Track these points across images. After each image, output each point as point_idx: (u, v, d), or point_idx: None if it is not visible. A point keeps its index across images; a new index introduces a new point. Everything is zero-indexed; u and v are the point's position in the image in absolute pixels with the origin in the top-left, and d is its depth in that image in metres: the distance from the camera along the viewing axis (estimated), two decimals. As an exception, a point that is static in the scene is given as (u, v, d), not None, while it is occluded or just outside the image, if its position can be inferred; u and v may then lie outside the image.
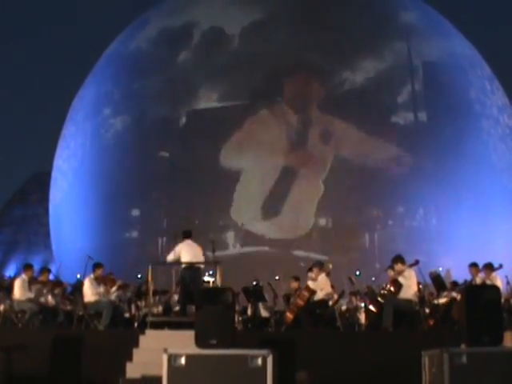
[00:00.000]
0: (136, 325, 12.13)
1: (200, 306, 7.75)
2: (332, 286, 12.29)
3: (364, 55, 22.01)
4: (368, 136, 20.81)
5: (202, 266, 12.20)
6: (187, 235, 11.97)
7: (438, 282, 12.88)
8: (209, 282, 13.29)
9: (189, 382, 7.06)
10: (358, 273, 15.56)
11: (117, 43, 25.20)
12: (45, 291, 12.26)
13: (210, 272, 13.58)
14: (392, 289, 10.70)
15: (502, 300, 9.51)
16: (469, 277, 12.19)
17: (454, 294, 12.27)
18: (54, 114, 52.89)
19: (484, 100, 22.78)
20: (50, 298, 12.40)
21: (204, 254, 12.07)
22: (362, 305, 13.04)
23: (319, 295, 11.77)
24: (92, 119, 23.69)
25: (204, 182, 20.69)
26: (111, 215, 21.82)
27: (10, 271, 29.48)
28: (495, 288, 7.90)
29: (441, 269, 15.72)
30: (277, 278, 16.14)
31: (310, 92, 21.71)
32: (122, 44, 24.93)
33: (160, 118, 22.58)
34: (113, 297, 12.34)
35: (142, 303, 13.31)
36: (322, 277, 11.96)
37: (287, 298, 13.12)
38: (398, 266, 10.86)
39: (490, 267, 11.87)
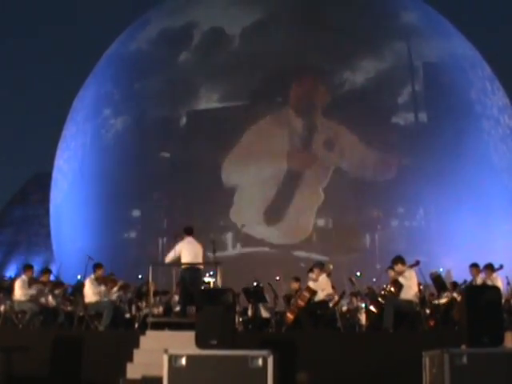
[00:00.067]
0: (136, 325, 12.14)
1: (200, 306, 7.76)
2: (333, 287, 12.30)
3: (364, 55, 22.01)
4: (369, 148, 20.81)
5: (202, 267, 12.19)
6: (189, 232, 11.95)
7: (439, 283, 12.88)
8: (209, 282, 13.29)
9: (189, 382, 7.06)
10: (358, 274, 15.56)
11: (117, 44, 25.21)
12: (46, 291, 12.26)
13: (211, 273, 13.57)
14: (392, 289, 10.70)
15: (503, 301, 9.52)
16: (469, 277, 12.19)
17: (455, 295, 12.28)
18: (54, 115, 52.92)
19: (485, 100, 22.77)
20: (50, 298, 12.41)
21: (204, 253, 12.05)
22: (363, 305, 13.04)
23: (320, 296, 11.77)
24: (92, 120, 23.70)
25: (204, 182, 20.68)
26: (112, 215, 21.82)
27: (10, 272, 29.49)
28: (496, 289, 7.90)
29: (441, 269, 15.71)
30: (277, 278, 16.14)
31: (315, 96, 21.70)
32: (122, 44, 24.94)
33: (160, 119, 22.58)
34: (114, 297, 12.34)
35: (142, 304, 13.31)
36: (323, 277, 11.97)
37: (288, 298, 13.12)
38: (399, 267, 10.86)
39: (490, 268, 11.88)
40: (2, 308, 12.68)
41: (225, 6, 23.03)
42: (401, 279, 10.67)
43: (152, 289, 12.02)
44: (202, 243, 12.05)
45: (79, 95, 25.13)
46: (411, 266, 10.98)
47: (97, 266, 11.93)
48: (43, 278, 12.44)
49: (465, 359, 6.85)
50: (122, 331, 11.04)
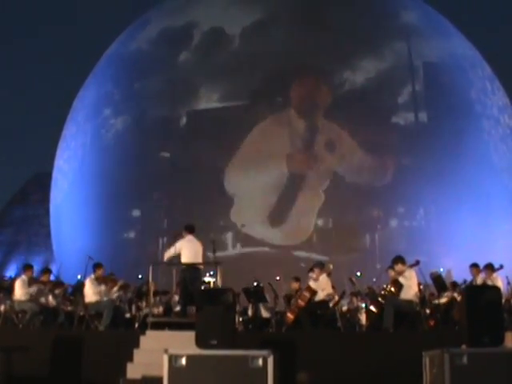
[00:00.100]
0: (137, 325, 12.14)
1: (201, 306, 7.76)
2: (333, 287, 12.30)
3: (364, 55, 22.00)
4: (368, 150, 20.83)
5: (202, 267, 12.19)
6: (190, 230, 11.93)
7: (439, 283, 12.88)
8: (209, 282, 13.29)
9: (189, 382, 7.06)
10: (358, 274, 15.56)
11: (117, 43, 25.21)
12: (45, 290, 12.26)
13: (211, 272, 13.56)
14: (392, 289, 10.70)
15: (503, 300, 9.51)
16: (469, 277, 12.19)
17: (455, 295, 12.28)
18: (54, 115, 52.88)
19: (485, 100, 22.77)
20: (50, 298, 12.42)
21: (204, 252, 12.01)
22: (363, 305, 13.04)
23: (320, 296, 11.77)
24: (92, 120, 23.70)
25: (205, 182, 20.68)
26: (112, 215, 21.82)
27: (10, 272, 29.48)
28: (496, 288, 7.90)
29: (441, 269, 15.70)
30: (277, 278, 16.14)
31: (317, 96, 21.70)
32: (122, 44, 24.94)
33: (160, 119, 22.58)
34: (114, 296, 12.35)
35: (142, 304, 13.31)
36: (323, 277, 11.97)
37: (288, 298, 13.12)
38: (399, 267, 10.86)
39: (490, 268, 11.88)
40: (2, 308, 12.69)
41: (225, 6, 23.03)
42: (401, 279, 10.67)
43: (152, 289, 12.02)
44: (202, 241, 12.04)
45: (79, 95, 25.13)
46: (411, 266, 10.98)
47: (97, 266, 11.94)
48: (43, 278, 12.44)
49: (465, 359, 6.85)
50: (122, 331, 11.04)
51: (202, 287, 11.77)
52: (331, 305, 12.04)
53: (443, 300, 12.68)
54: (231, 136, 21.22)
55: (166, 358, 7.10)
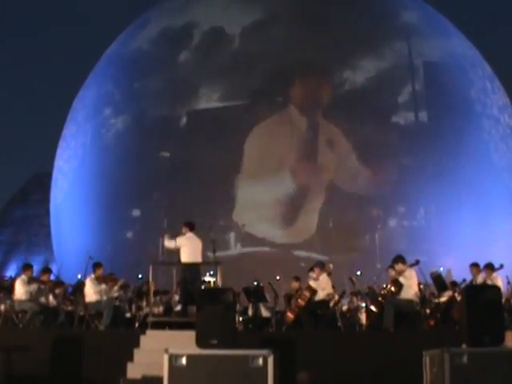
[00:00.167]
0: (137, 325, 12.15)
1: (201, 306, 7.76)
2: (333, 287, 12.30)
3: (364, 55, 21.99)
4: (367, 146, 20.85)
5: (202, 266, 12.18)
6: (190, 227, 11.91)
7: (439, 282, 12.88)
8: (210, 282, 13.29)
9: (190, 382, 7.07)
10: (358, 273, 15.56)
11: (117, 43, 25.21)
12: (45, 290, 12.26)
13: (211, 272, 13.57)
14: (393, 289, 10.71)
15: (503, 300, 9.51)
16: (469, 277, 12.20)
17: (455, 294, 12.27)
18: (55, 114, 52.84)
19: (485, 100, 22.77)
20: (51, 298, 12.42)
21: (204, 250, 11.96)
22: (363, 305, 13.04)
23: (320, 295, 11.78)
24: (93, 119, 23.70)
25: (205, 181, 20.67)
26: (112, 215, 21.82)
27: (10, 271, 29.48)
28: (496, 288, 7.91)
29: (442, 269, 15.70)
30: (277, 278, 16.14)
31: (319, 95, 21.70)
32: (122, 44, 24.94)
33: (160, 118, 22.58)
34: (115, 294, 12.35)
35: (142, 303, 13.31)
36: (324, 277, 11.97)
37: (288, 298, 13.12)
38: (399, 266, 10.87)
39: (490, 267, 11.89)
40: (3, 307, 12.69)
41: (225, 6, 23.03)
42: (401, 279, 10.68)
43: (152, 288, 12.02)
44: (202, 238, 12.02)
45: (79, 95, 25.13)
46: (411, 266, 10.99)
47: (96, 266, 11.95)
48: (44, 278, 12.44)
49: (465, 359, 6.85)
50: (123, 331, 11.05)
51: (203, 287, 11.78)
52: (331, 304, 12.04)
53: (443, 299, 12.68)
54: (231, 136, 21.21)
55: (166, 358, 7.10)
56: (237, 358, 7.08)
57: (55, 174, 24.97)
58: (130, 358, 9.21)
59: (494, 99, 23.16)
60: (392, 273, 11.29)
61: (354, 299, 13.95)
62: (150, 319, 10.82)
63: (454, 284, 13.31)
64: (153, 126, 22.48)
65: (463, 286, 11.93)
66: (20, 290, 11.70)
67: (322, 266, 12.29)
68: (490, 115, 22.69)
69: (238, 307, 11.91)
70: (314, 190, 20.85)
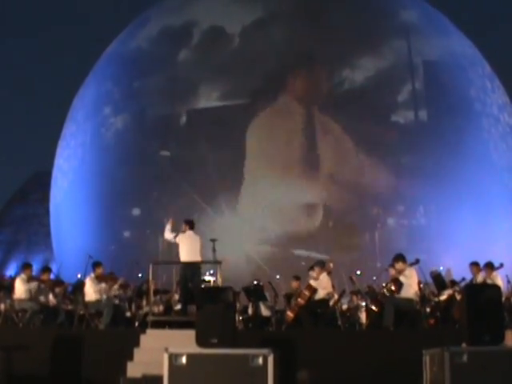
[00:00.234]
0: (137, 324, 12.15)
1: (201, 305, 7.76)
2: (332, 286, 12.30)
3: (364, 54, 21.99)
4: (367, 145, 20.85)
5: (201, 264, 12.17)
6: (190, 225, 11.91)
7: (439, 281, 12.89)
8: (209, 281, 13.30)
9: (190, 381, 7.07)
10: (358, 272, 15.56)
11: (117, 42, 25.19)
12: (45, 289, 12.26)
13: (211, 271, 13.57)
14: (393, 288, 10.71)
15: (503, 299, 9.52)
16: (469, 276, 12.20)
17: (455, 293, 12.27)
18: (54, 114, 52.87)
19: (484, 98, 22.76)
20: (50, 297, 12.42)
21: (202, 248, 11.94)
22: (363, 304, 13.04)
23: (320, 294, 11.78)
24: (92, 118, 23.68)
25: (205, 181, 20.67)
26: (112, 214, 21.81)
27: (10, 271, 29.49)
28: (496, 287, 7.91)
29: (441, 268, 15.70)
30: (277, 277, 16.15)
31: (317, 95, 21.69)
32: (122, 43, 24.92)
33: (160, 117, 22.57)
34: (115, 292, 12.36)
35: (142, 302, 13.32)
36: (324, 276, 11.97)
37: (288, 297, 13.12)
38: (399, 265, 10.87)
39: (490, 266, 11.90)
40: (3, 307, 12.70)
41: (225, 4, 23.00)
42: (401, 278, 10.68)
43: (152, 287, 12.03)
44: (200, 236, 12.02)
45: (79, 94, 25.12)
46: (411, 265, 10.99)
47: (96, 265, 11.97)
48: (43, 277, 12.43)
49: (465, 357, 6.85)
50: (123, 330, 11.06)
51: (202, 286, 11.79)
52: (331, 303, 12.04)
53: (443, 298, 12.68)
54: (231, 135, 21.21)
55: (166, 357, 7.10)
56: (237, 357, 7.09)
57: (55, 173, 24.96)
58: (130, 357, 9.22)
59: (494, 98, 23.15)
60: (392, 272, 11.29)
61: (354, 298, 13.95)
62: (150, 318, 10.83)
63: (454, 283, 13.31)
64: (152, 125, 22.47)
65: (462, 284, 11.94)
66: (20, 289, 11.70)
67: (322, 265, 12.29)
68: (489, 114, 22.68)
69: (237, 306, 11.92)
70: (315, 188, 20.83)
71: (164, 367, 7.09)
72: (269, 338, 9.56)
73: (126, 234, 22.67)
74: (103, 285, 11.80)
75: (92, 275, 11.79)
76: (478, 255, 13.18)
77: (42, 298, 12.05)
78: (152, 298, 12.34)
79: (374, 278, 14.58)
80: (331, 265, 12.65)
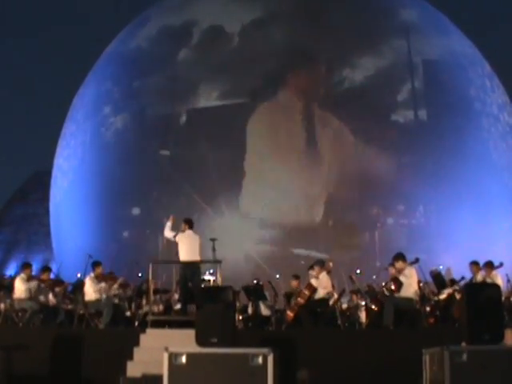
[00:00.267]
0: (137, 323, 12.15)
1: (201, 304, 7.77)
2: (332, 285, 12.31)
3: (363, 53, 21.97)
4: (366, 144, 20.83)
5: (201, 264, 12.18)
6: (189, 224, 11.90)
7: (439, 280, 12.90)
8: (209, 280, 13.31)
9: (190, 380, 7.07)
10: (358, 271, 15.57)
11: (117, 42, 25.17)
12: (45, 288, 12.26)
13: (211, 271, 13.58)
14: (393, 287, 10.71)
15: (503, 298, 9.52)
16: (469, 275, 12.21)
17: (455, 293, 12.27)
18: (54, 113, 52.82)
19: (484, 98, 22.75)
20: (50, 296, 12.43)
21: (201, 247, 11.95)
22: (363, 303, 13.05)
23: (320, 293, 11.78)
24: (92, 118, 23.67)
25: (205, 180, 20.67)
26: (112, 214, 21.80)
27: (10, 270, 29.49)
28: (496, 286, 7.91)
29: (441, 267, 15.70)
30: (277, 276, 16.14)
31: (317, 94, 21.69)
32: (122, 42, 24.91)
33: (160, 117, 22.55)
34: (115, 292, 12.36)
35: (142, 302, 13.32)
36: (324, 275, 11.97)
37: (288, 296, 13.13)
38: (399, 264, 10.89)
39: (490, 265, 11.91)
40: (2, 306, 12.71)
41: (225, 3, 23.00)
42: (401, 277, 10.69)
43: (152, 287, 12.03)
44: (200, 235, 12.02)
45: (79, 93, 25.10)
46: (411, 264, 11.00)
47: (95, 264, 11.98)
48: (43, 277, 12.44)
49: (465, 357, 6.86)
50: (122, 329, 11.06)
51: (202, 285, 11.79)
52: (331, 303, 12.05)
53: (442, 296, 12.69)
54: (231, 134, 21.20)
55: (166, 356, 7.10)
56: (237, 356, 7.08)
57: (55, 173, 24.95)
58: (130, 357, 9.23)
59: (494, 97, 23.14)
60: (392, 271, 11.29)
61: (354, 297, 13.96)
62: (150, 318, 10.84)
63: (453, 281, 13.32)
64: (152, 125, 22.45)
65: (462, 283, 11.95)
66: (20, 289, 11.71)
67: (321, 264, 12.29)
68: (489, 113, 22.67)
69: (237, 305, 11.92)
70: (315, 188, 20.83)
71: (164, 367, 7.09)
72: (269, 338, 9.57)
73: (126, 233, 22.67)
74: (103, 284, 11.81)
75: (92, 275, 11.80)
76: (477, 254, 13.18)
77: (41, 298, 12.07)
78: (152, 298, 12.36)
79: (374, 277, 14.59)
80: (331, 264, 12.65)
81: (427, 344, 7.67)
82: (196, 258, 11.63)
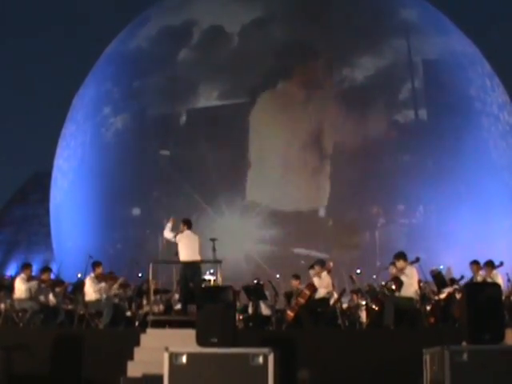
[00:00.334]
0: (137, 323, 12.15)
1: (201, 304, 7.76)
2: (333, 285, 12.30)
3: (364, 52, 21.98)
4: (367, 144, 20.84)
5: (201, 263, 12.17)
6: (188, 225, 11.91)
7: (439, 280, 12.89)
8: (210, 280, 13.30)
9: (190, 380, 7.06)
10: (358, 271, 15.57)
11: (117, 42, 25.18)
12: (45, 288, 12.26)
13: (211, 271, 13.57)
14: (393, 286, 10.71)
15: (503, 297, 9.51)
16: (469, 274, 12.20)
17: (456, 292, 12.27)
18: (54, 114, 52.82)
19: (484, 97, 22.76)
20: (50, 297, 12.42)
21: (201, 247, 11.94)
22: (363, 303, 13.04)
23: (320, 293, 11.78)
24: (92, 118, 23.67)
25: (205, 180, 20.67)
26: (112, 214, 21.81)
27: (10, 271, 29.49)
28: (496, 285, 7.90)
29: (441, 266, 15.70)
30: (277, 276, 16.13)
31: (317, 94, 21.69)
32: (122, 42, 24.91)
33: (160, 117, 22.56)
34: (115, 292, 12.36)
35: (143, 302, 13.32)
36: (324, 275, 11.97)
37: (288, 296, 13.12)
38: (400, 263, 10.88)
39: (490, 265, 11.90)
40: (3, 306, 12.69)
41: (225, 3, 23.00)
42: (402, 277, 10.68)
43: (152, 287, 12.03)
44: (199, 235, 12.02)
45: (79, 93, 25.10)
46: (412, 263, 10.99)
47: (95, 264, 11.97)
48: (44, 277, 12.43)
49: (465, 356, 6.85)
50: (123, 329, 11.05)
51: (203, 285, 11.78)
52: (331, 302, 12.04)
53: (442, 296, 12.69)
54: (231, 134, 21.21)
55: (166, 356, 7.09)
56: (237, 356, 7.08)
57: (55, 174, 24.96)
58: (131, 357, 9.22)
59: (494, 97, 23.14)
60: (393, 270, 11.29)
61: (354, 297, 13.95)
62: (150, 318, 10.84)
63: (453, 281, 13.32)
64: (152, 125, 22.46)
65: (462, 282, 11.95)
66: (20, 289, 11.71)
67: (322, 263, 12.29)
68: (489, 113, 22.67)
69: (238, 305, 11.91)
70: (315, 188, 20.83)
71: (164, 367, 7.09)
72: (269, 337, 9.56)
73: (126, 234, 22.67)
74: (103, 284, 11.81)
75: (92, 275, 11.79)
76: (478, 254, 13.19)
77: (42, 298, 12.05)
78: (152, 298, 12.36)
79: (374, 276, 14.58)
80: (331, 263, 12.64)
81: (427, 343, 7.66)
82: (196, 257, 11.62)
